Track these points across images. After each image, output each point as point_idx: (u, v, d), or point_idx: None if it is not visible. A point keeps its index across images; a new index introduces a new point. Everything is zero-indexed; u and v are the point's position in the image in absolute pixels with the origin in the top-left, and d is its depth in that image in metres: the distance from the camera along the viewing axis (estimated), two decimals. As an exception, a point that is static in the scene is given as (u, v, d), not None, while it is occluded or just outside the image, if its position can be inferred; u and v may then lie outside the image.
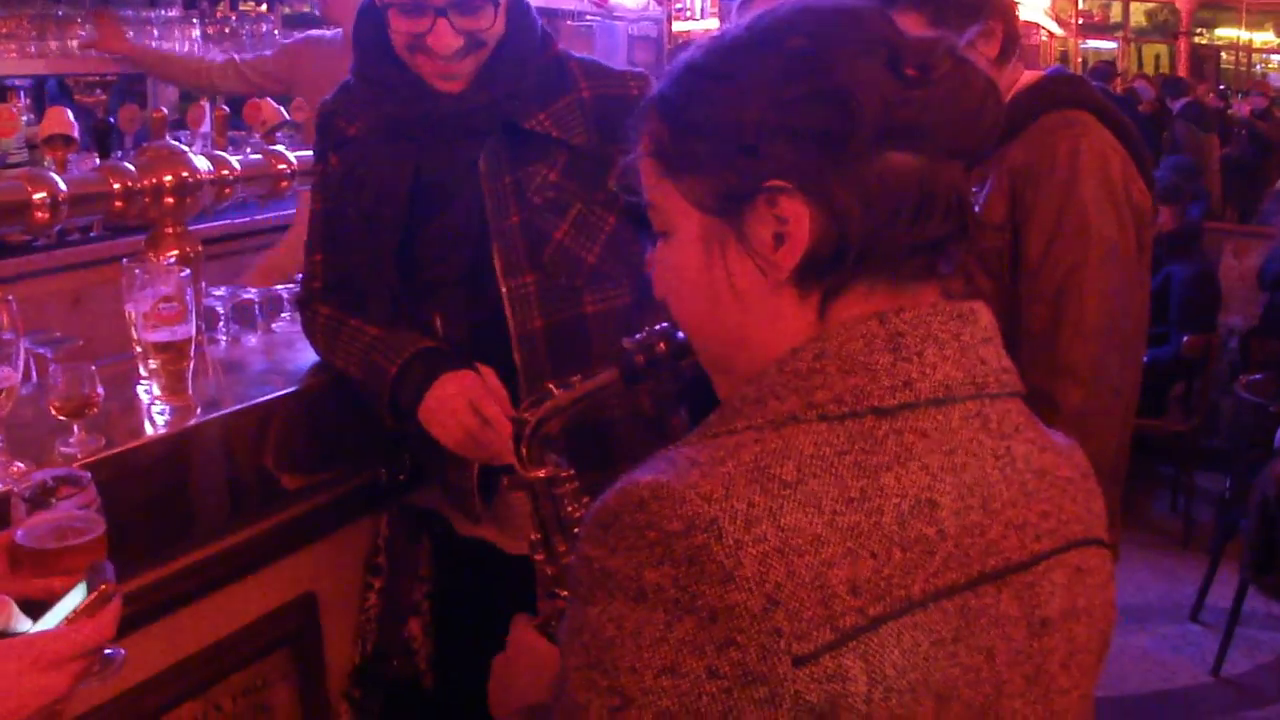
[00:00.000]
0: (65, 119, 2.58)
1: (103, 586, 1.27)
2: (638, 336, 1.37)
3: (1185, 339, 6.31)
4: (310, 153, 2.93)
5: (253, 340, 2.67)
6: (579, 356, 2.13)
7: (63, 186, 2.30)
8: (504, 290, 2.13)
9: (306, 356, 2.46)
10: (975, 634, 1.01)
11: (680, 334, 1.30)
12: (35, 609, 1.30)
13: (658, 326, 1.36)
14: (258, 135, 2.97)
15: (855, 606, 0.95)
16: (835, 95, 1.04)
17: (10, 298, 1.77)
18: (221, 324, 2.63)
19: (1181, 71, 15.81)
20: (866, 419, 1.02)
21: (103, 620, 1.27)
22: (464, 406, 2.06)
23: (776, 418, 1.03)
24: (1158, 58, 18.88)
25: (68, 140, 2.56)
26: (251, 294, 2.68)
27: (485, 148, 2.13)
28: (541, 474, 1.52)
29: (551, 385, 1.48)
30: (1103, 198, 2.14)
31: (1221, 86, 15.87)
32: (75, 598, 1.27)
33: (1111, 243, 2.15)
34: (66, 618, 1.25)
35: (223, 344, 2.62)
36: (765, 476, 0.98)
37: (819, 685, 0.93)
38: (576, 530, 1.51)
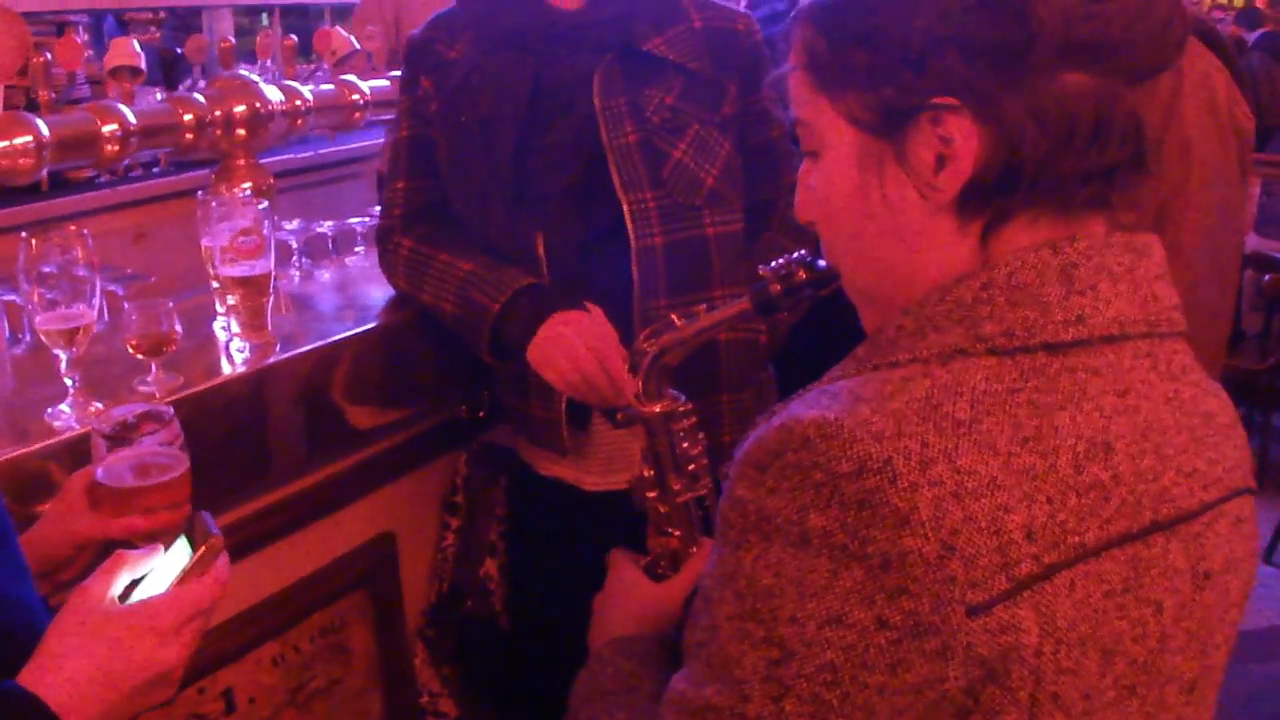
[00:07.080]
0: (131, 49, 2.53)
1: (210, 540, 1.22)
2: (774, 264, 1.28)
3: (1267, 277, 6.14)
4: (383, 83, 2.89)
5: (325, 275, 2.61)
6: (700, 277, 2.11)
7: (132, 119, 2.26)
8: (625, 206, 2.08)
9: (382, 291, 2.40)
10: (1145, 585, 0.96)
11: (821, 261, 1.23)
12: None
13: (795, 254, 1.27)
14: (327, 65, 2.89)
15: (1031, 554, 0.89)
16: (1012, 6, 0.95)
17: (85, 231, 1.71)
18: (294, 258, 2.57)
19: (1259, 1, 15.32)
20: (1038, 355, 0.96)
21: (214, 577, 1.22)
22: (580, 347, 2.01)
23: (942, 350, 0.96)
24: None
25: (134, 71, 2.50)
26: (325, 227, 2.61)
27: (601, 66, 2.10)
28: (658, 409, 1.46)
29: (674, 315, 1.42)
30: (1206, 119, 2.09)
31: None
32: (179, 556, 1.22)
33: (1214, 165, 2.09)
34: (175, 579, 1.20)
35: (295, 279, 2.56)
36: (938, 414, 0.91)
37: (992, 637, 0.88)
38: (692, 467, 1.48)
